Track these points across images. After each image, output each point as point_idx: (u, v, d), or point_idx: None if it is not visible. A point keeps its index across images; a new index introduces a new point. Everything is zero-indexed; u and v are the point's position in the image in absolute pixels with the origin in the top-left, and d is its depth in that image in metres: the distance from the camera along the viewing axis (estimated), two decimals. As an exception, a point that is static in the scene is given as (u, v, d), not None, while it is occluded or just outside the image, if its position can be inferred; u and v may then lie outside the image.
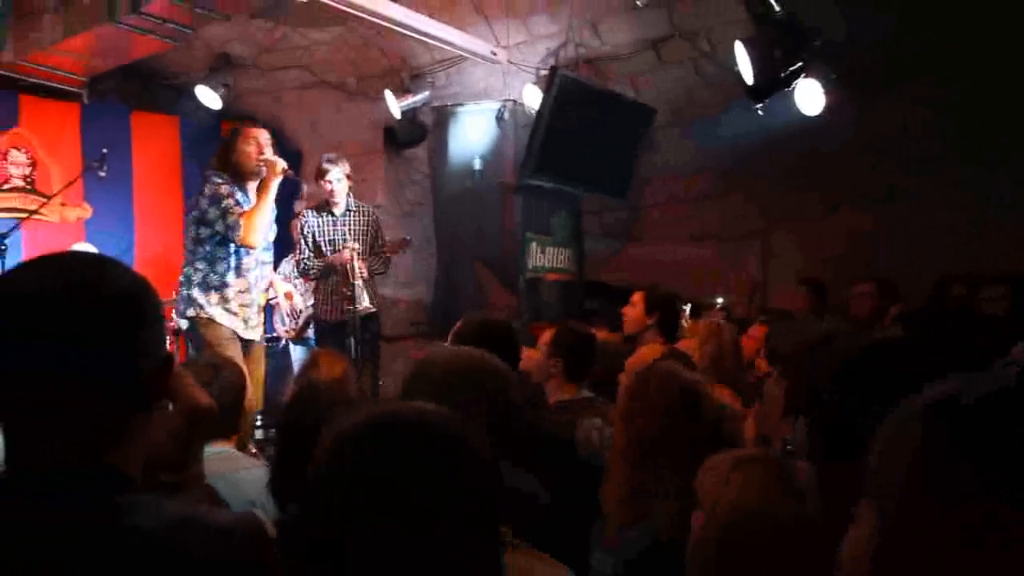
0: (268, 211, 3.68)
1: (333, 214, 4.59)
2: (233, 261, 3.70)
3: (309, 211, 4.65)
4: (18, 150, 5.35)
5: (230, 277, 3.70)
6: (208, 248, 3.67)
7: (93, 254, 0.99)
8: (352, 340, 4.17)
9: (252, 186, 3.72)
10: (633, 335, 3.60)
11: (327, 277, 4.54)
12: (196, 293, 3.68)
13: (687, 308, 4.17)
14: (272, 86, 6.00)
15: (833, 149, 4.88)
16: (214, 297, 3.68)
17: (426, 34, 4.36)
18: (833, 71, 4.14)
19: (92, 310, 0.85)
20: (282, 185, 3.71)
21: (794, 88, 4.00)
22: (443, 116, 5.42)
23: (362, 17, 4.14)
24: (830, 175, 5.08)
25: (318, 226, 4.57)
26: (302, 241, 4.58)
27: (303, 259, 4.59)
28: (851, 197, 5.05)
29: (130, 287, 0.90)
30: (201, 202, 3.63)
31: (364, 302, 4.28)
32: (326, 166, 4.50)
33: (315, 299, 4.79)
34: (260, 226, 3.63)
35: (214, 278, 3.68)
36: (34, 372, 0.83)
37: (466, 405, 1.33)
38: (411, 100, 5.27)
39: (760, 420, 2.04)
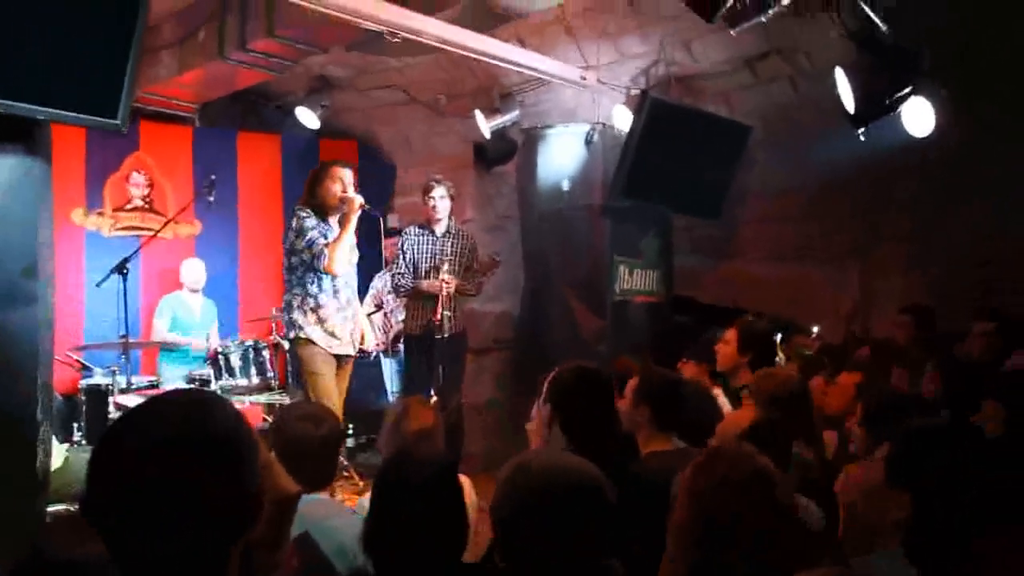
0: (348, 242, 4.09)
1: (434, 233, 4.74)
2: (325, 284, 4.08)
3: (412, 227, 4.84)
4: (139, 172, 5.73)
5: (323, 298, 4.09)
6: (300, 274, 4.09)
7: (193, 397, 1.08)
8: (440, 368, 4.38)
9: (334, 219, 4.12)
10: (725, 372, 3.54)
11: (417, 298, 4.69)
12: (297, 316, 4.09)
13: (778, 337, 4.04)
14: (367, 104, 6.18)
15: (940, 164, 4.60)
16: (312, 317, 4.07)
17: (517, 63, 4.41)
18: (943, 86, 3.90)
19: (194, 458, 0.95)
20: (363, 218, 4.12)
21: (900, 110, 3.80)
22: (532, 138, 5.43)
23: (454, 52, 4.22)
24: (937, 192, 4.78)
25: (417, 243, 4.73)
26: (400, 256, 4.74)
27: (397, 274, 4.75)
28: (961, 217, 4.72)
29: (226, 429, 1.00)
30: (289, 235, 4.07)
31: (447, 329, 4.50)
32: (432, 183, 4.72)
33: (405, 314, 4.97)
34: (341, 256, 4.04)
35: (310, 301, 4.08)
36: (149, 513, 0.93)
37: (561, 515, 1.42)
38: (501, 120, 5.32)
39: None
